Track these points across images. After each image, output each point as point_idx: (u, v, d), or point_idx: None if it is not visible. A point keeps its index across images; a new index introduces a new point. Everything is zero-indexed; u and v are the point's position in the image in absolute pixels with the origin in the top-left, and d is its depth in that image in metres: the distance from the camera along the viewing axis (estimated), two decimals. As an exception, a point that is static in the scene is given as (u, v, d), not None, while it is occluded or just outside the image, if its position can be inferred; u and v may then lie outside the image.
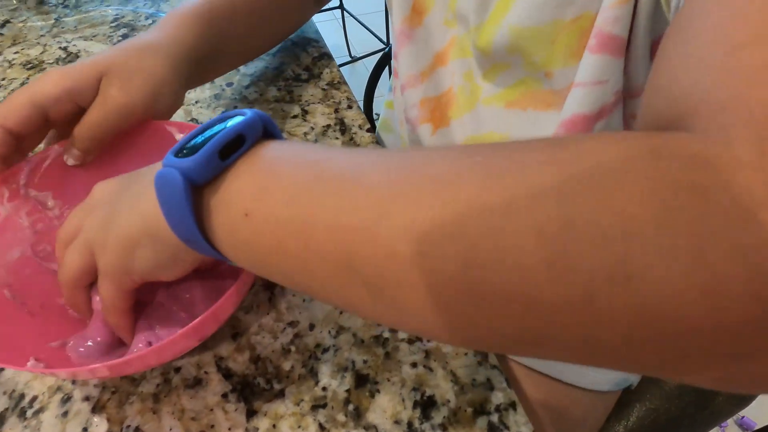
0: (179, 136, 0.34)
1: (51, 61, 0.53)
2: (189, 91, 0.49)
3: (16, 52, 0.54)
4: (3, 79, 0.51)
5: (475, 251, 0.15)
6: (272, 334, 0.31)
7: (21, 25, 0.58)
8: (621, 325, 0.14)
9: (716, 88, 0.15)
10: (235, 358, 0.30)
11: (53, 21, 0.59)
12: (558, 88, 0.32)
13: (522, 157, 0.16)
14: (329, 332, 0.32)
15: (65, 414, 0.28)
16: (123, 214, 0.25)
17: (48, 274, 0.31)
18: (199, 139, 0.22)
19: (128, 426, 0.28)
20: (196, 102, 0.48)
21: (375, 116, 0.86)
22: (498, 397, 0.29)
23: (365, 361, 0.30)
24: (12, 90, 0.50)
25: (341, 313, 0.32)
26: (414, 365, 0.30)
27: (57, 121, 0.32)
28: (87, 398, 0.29)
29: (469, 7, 0.33)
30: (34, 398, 0.29)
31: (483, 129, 0.37)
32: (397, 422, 0.28)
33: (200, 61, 0.36)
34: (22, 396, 0.29)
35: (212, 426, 0.28)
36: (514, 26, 0.31)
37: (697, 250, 0.13)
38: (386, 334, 0.31)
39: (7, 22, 0.59)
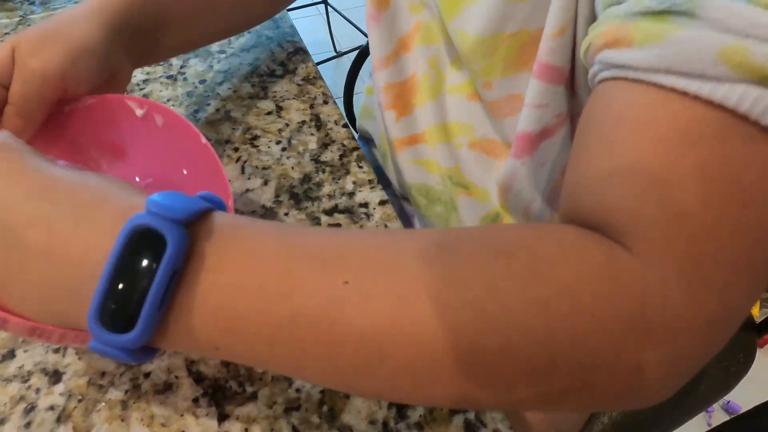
0: (139, 112, 0.33)
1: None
2: (162, 89, 0.48)
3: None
4: (-33, 80, 0.49)
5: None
6: (245, 336, 0.31)
7: (-16, 23, 0.57)
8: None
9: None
10: (206, 361, 0.30)
11: (19, 18, 0.57)
12: (494, 99, 0.32)
13: (486, 266, 0.18)
14: (303, 332, 0.31)
15: (28, 425, 0.27)
16: (35, 267, 0.19)
17: None
18: (120, 298, 0.18)
19: (95, 434, 0.27)
20: (168, 100, 0.47)
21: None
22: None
23: (340, 361, 0.30)
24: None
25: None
26: (389, 364, 0.30)
27: None
28: (52, 407, 0.28)
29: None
30: (-3, 409, 0.28)
31: (448, 118, 0.37)
32: (372, 422, 0.28)
33: (137, 30, 0.33)
34: (-16, 407, 0.28)
35: (182, 432, 0.27)
36: (460, 30, 0.30)
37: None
38: (361, 333, 0.31)
39: (-32, 20, 0.57)
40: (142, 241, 0.18)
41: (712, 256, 0.17)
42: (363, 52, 0.74)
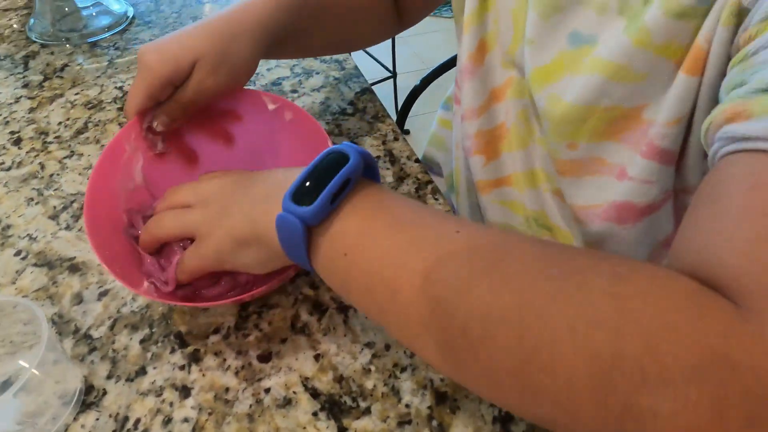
0: (271, 106, 0.41)
1: (109, 100, 0.56)
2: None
3: (76, 94, 0.58)
4: (68, 119, 0.54)
5: (536, 354, 0.18)
6: (351, 355, 0.34)
7: (78, 68, 0.62)
8: None
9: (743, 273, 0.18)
10: (320, 378, 0.33)
11: (106, 63, 0.63)
12: (577, 158, 0.35)
13: (586, 280, 0.19)
14: (404, 352, 0.34)
15: (168, 434, 0.30)
16: (236, 217, 0.30)
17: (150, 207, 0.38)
18: (311, 184, 0.25)
19: (228, 444, 0.30)
20: (251, 137, 0.51)
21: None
22: (571, 411, 0.31)
23: (442, 380, 0.32)
24: (76, 129, 0.53)
25: (413, 334, 0.35)
26: (488, 382, 0.32)
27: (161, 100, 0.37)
28: (186, 419, 0.31)
29: (521, 58, 0.37)
30: (138, 420, 0.31)
31: (535, 165, 0.40)
32: (478, 436, 0.30)
33: (275, 40, 0.39)
34: (126, 418, 0.31)
35: (306, 443, 0.30)
36: (555, 95, 0.34)
37: (716, 403, 0.16)
38: (458, 353, 0.34)
39: (65, 65, 0.62)
40: (332, 157, 0.25)
41: None
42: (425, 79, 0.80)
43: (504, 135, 0.41)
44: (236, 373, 0.33)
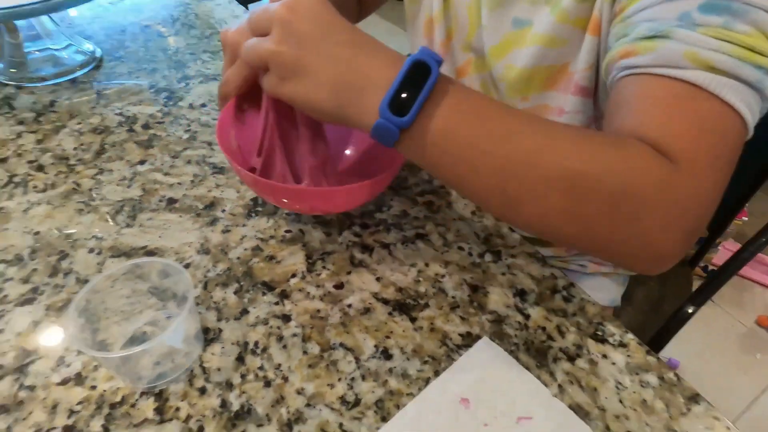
0: None
1: (115, 125, 0.63)
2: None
3: (79, 123, 0.63)
4: (82, 144, 0.59)
5: (577, 191, 0.33)
6: (402, 273, 0.45)
7: (67, 102, 0.67)
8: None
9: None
10: (385, 291, 0.43)
11: (95, 95, 0.68)
12: (528, 108, 0.51)
13: (570, 152, 0.33)
14: (440, 265, 0.46)
15: (285, 347, 0.39)
16: (322, 78, 0.34)
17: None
18: (406, 95, 0.32)
19: (333, 343, 0.39)
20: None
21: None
22: (561, 282, 0.45)
23: (472, 277, 0.45)
24: (94, 151, 0.58)
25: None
26: (503, 274, 0.45)
27: None
28: (294, 335, 0.40)
29: (479, 42, 0.51)
30: (256, 343, 0.39)
31: None
32: (507, 307, 0.43)
33: None
34: (246, 344, 0.39)
35: (391, 332, 0.40)
36: (509, 65, 0.49)
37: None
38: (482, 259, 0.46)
39: (54, 102, 0.67)
40: (416, 68, 0.33)
41: (715, 175, 0.33)
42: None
43: None
44: (321, 299, 0.43)
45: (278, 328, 0.41)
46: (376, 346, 0.40)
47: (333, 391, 0.37)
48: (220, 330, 0.40)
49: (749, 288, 1.42)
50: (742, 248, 0.63)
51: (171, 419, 0.35)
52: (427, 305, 0.42)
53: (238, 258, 0.45)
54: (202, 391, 0.37)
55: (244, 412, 0.36)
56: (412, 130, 0.34)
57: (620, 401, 0.37)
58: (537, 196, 0.34)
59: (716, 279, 0.64)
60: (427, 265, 0.46)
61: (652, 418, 0.36)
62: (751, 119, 0.34)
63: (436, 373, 0.38)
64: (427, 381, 0.38)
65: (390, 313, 0.42)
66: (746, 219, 1.35)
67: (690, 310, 0.62)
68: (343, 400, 0.37)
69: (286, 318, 0.41)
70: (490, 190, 0.35)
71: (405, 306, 0.42)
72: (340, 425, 0.35)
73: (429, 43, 0.57)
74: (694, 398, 0.37)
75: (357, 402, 0.36)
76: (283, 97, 0.36)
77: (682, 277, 0.76)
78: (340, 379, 0.38)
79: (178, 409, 0.36)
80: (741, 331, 1.34)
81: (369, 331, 0.40)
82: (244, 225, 0.48)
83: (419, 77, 0.33)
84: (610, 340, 0.40)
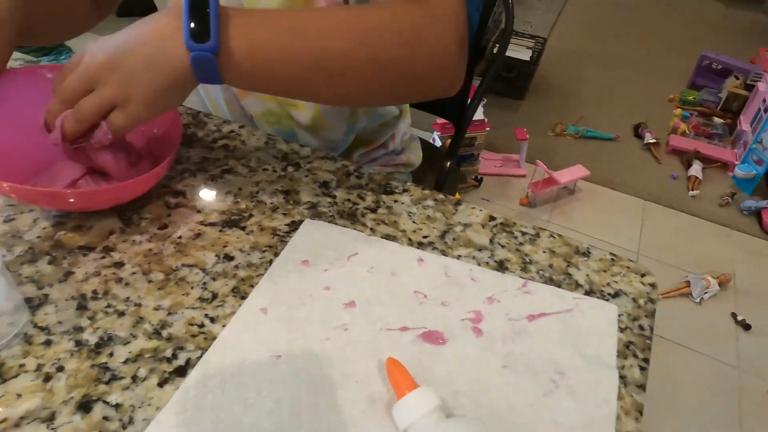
0: (50, 76, 0.49)
1: None
2: None
3: None
4: None
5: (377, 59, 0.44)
6: (220, 201, 0.49)
7: None
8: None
9: None
10: (210, 218, 0.47)
11: None
12: None
13: (360, 21, 0.43)
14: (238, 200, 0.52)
15: (127, 284, 0.40)
16: (146, 75, 0.38)
17: None
18: (197, 24, 0.37)
19: (176, 266, 0.42)
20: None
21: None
22: (352, 167, 0.55)
23: (282, 186, 0.52)
24: None
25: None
26: (306, 176, 0.54)
27: None
28: (134, 273, 0.41)
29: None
30: (95, 291, 0.39)
31: None
32: (316, 195, 0.51)
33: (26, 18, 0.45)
34: (82, 295, 0.39)
35: (226, 242, 0.45)
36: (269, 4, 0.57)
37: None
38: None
39: None
40: (194, 3, 0.37)
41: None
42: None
43: None
44: (149, 240, 0.44)
45: (113, 273, 0.41)
46: (216, 255, 0.44)
47: (190, 297, 0.40)
48: (46, 296, 0.39)
49: (507, 182, 1.83)
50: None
51: (17, 375, 0.34)
52: (251, 215, 0.48)
53: (39, 237, 0.44)
54: (47, 343, 0.36)
55: (105, 341, 0.36)
56: (223, 54, 0.39)
57: (414, 222, 0.49)
58: (346, 76, 0.44)
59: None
60: (240, 189, 0.51)
61: (436, 224, 0.49)
62: None
63: (276, 254, 0.44)
64: (270, 262, 0.44)
65: (221, 230, 0.46)
66: (489, 129, 1.74)
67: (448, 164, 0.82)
68: (201, 299, 0.40)
69: (118, 265, 0.42)
70: (312, 86, 0.44)
71: (232, 221, 0.47)
72: (206, 315, 0.39)
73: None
74: (459, 203, 0.51)
75: (215, 296, 0.40)
76: (138, 121, 0.40)
77: (452, 171, 0.97)
78: (193, 287, 0.41)
79: (22, 365, 0.34)
80: (510, 214, 1.72)
81: (206, 248, 0.44)
82: (31, 210, 0.46)
83: (201, 7, 0.38)
84: (397, 190, 0.53)
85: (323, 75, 0.43)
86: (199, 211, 0.48)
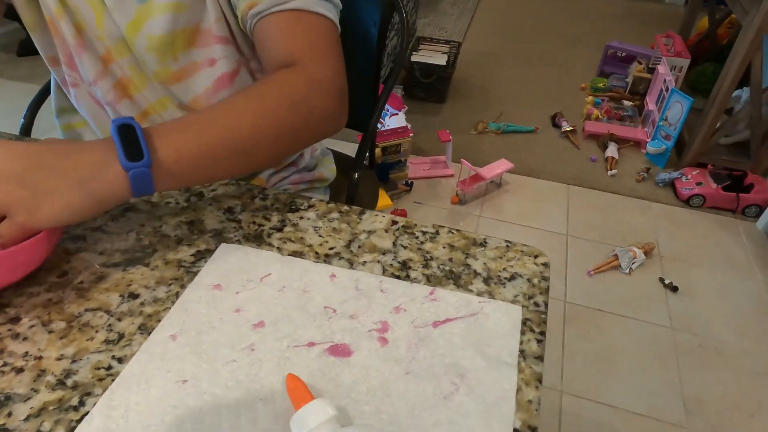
0: None
1: None
2: None
3: None
4: None
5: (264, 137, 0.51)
6: (122, 240, 0.50)
7: None
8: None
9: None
10: (111, 258, 0.48)
11: None
12: (179, 68, 0.63)
13: (258, 104, 0.51)
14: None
15: (25, 338, 0.40)
16: (68, 193, 0.41)
17: None
18: (128, 147, 0.42)
19: (78, 313, 0.42)
20: None
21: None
22: (256, 191, 0.57)
23: (186, 217, 0.53)
24: None
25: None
26: (210, 204, 0.55)
27: None
28: (32, 326, 0.41)
29: (112, 27, 0.60)
30: (-10, 349, 0.39)
31: (159, 96, 0.64)
32: (221, 222, 0.53)
33: None
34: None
35: (131, 281, 0.45)
36: (148, 35, 0.59)
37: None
38: (186, 208, 0.55)
39: None
40: (120, 124, 0.44)
41: (331, 58, 0.56)
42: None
43: (128, 84, 0.64)
44: (48, 291, 0.44)
45: (9, 330, 0.41)
46: (121, 295, 0.44)
47: (95, 341, 0.41)
48: (-61, 362, 0.38)
49: (437, 183, 1.90)
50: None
51: None
52: (155, 250, 0.49)
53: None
54: (-57, 411, 0.35)
55: (2, 401, 0.36)
56: (155, 165, 0.44)
57: (320, 236, 0.52)
58: (258, 152, 0.51)
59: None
60: (143, 225, 0.52)
61: (342, 234, 0.52)
62: (336, 21, 0.57)
63: (183, 287, 0.45)
64: (177, 294, 0.45)
65: (124, 269, 0.47)
66: (413, 135, 1.80)
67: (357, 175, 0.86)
68: (107, 341, 0.41)
69: (14, 320, 0.42)
70: (231, 167, 0.50)
71: (135, 259, 0.48)
72: (113, 356, 0.39)
73: (62, 44, 0.62)
74: (363, 212, 0.54)
75: (121, 336, 0.41)
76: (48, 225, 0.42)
77: (368, 178, 1.00)
78: (97, 331, 0.41)
79: None
80: (443, 213, 1.78)
81: (110, 290, 0.45)
82: None
83: (129, 133, 0.43)
84: (302, 207, 0.55)
85: (239, 156, 0.50)
86: (101, 253, 0.48)
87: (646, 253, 1.64)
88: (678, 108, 1.86)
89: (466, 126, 2.17)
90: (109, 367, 0.39)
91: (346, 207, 0.55)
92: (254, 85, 0.54)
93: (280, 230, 0.52)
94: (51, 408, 0.36)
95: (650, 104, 2.13)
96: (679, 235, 1.74)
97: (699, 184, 1.81)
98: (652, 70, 2.30)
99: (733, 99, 1.91)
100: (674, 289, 1.56)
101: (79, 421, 0.35)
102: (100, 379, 0.38)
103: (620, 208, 1.84)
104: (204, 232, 0.51)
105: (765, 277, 1.62)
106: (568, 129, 2.13)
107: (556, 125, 2.18)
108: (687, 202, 1.82)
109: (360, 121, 0.92)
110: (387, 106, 1.88)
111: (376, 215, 0.54)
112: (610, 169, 1.96)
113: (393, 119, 1.84)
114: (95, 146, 0.43)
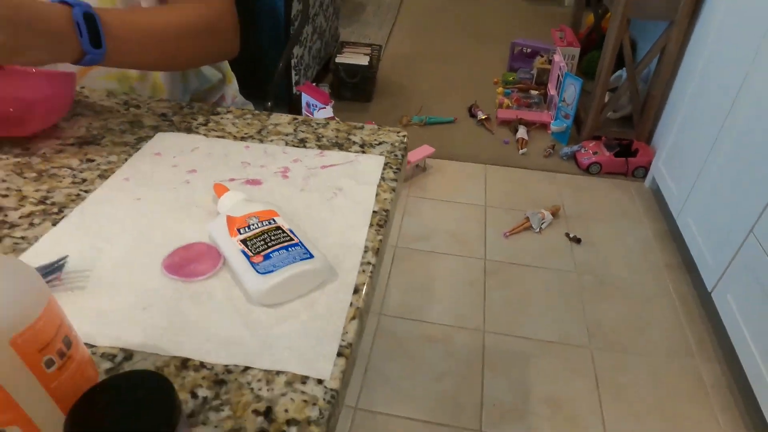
0: None
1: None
2: None
3: None
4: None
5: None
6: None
7: None
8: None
9: None
10: (69, 144, 0.64)
11: None
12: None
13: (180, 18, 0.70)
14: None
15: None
16: (35, 56, 0.55)
17: None
18: (83, 29, 0.57)
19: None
20: None
21: None
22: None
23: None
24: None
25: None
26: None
27: None
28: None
29: None
30: None
31: None
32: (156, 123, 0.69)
33: None
34: None
35: (86, 154, 0.61)
36: None
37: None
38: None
39: None
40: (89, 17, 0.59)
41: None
42: None
43: None
44: (16, 156, 0.59)
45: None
46: (80, 160, 0.60)
47: (64, 182, 0.56)
48: (-58, 196, 0.53)
49: None
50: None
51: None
52: (104, 136, 0.65)
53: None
54: (-47, 215, 0.50)
55: (-1, 209, 0.51)
56: (106, 53, 0.61)
57: (237, 127, 0.69)
58: (177, 54, 0.70)
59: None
60: (91, 123, 0.68)
61: (254, 126, 0.70)
62: None
63: (130, 155, 0.62)
64: (126, 159, 0.61)
65: (80, 147, 0.63)
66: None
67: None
68: (74, 182, 0.56)
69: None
70: (157, 60, 0.68)
71: (88, 141, 0.64)
72: (81, 190, 0.55)
73: None
74: (271, 114, 0.73)
75: (84, 180, 0.57)
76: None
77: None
78: (65, 178, 0.57)
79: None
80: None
81: (70, 158, 0.61)
82: None
83: (90, 20, 0.58)
84: (222, 112, 0.73)
85: (165, 55, 0.69)
86: (57, 138, 0.64)
87: (553, 214, 1.90)
88: (572, 89, 2.18)
89: (392, 121, 2.40)
90: (78, 194, 0.55)
91: (257, 111, 0.73)
92: (177, 5, 0.71)
93: (205, 125, 0.69)
94: (36, 211, 0.52)
95: (551, 89, 2.46)
96: (581, 197, 2.03)
97: (595, 153, 2.12)
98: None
99: (616, 78, 2.26)
100: (578, 241, 1.82)
101: (64, 217, 0.51)
102: (73, 200, 0.54)
103: (531, 181, 2.11)
104: (143, 127, 0.68)
105: (651, 225, 1.92)
106: (483, 117, 2.41)
107: (473, 115, 2.46)
108: (587, 170, 2.12)
109: (270, 83, 1.11)
110: (314, 101, 2.08)
111: (281, 115, 0.73)
112: (521, 149, 2.24)
113: (321, 112, 2.04)
114: (62, 22, 0.56)
